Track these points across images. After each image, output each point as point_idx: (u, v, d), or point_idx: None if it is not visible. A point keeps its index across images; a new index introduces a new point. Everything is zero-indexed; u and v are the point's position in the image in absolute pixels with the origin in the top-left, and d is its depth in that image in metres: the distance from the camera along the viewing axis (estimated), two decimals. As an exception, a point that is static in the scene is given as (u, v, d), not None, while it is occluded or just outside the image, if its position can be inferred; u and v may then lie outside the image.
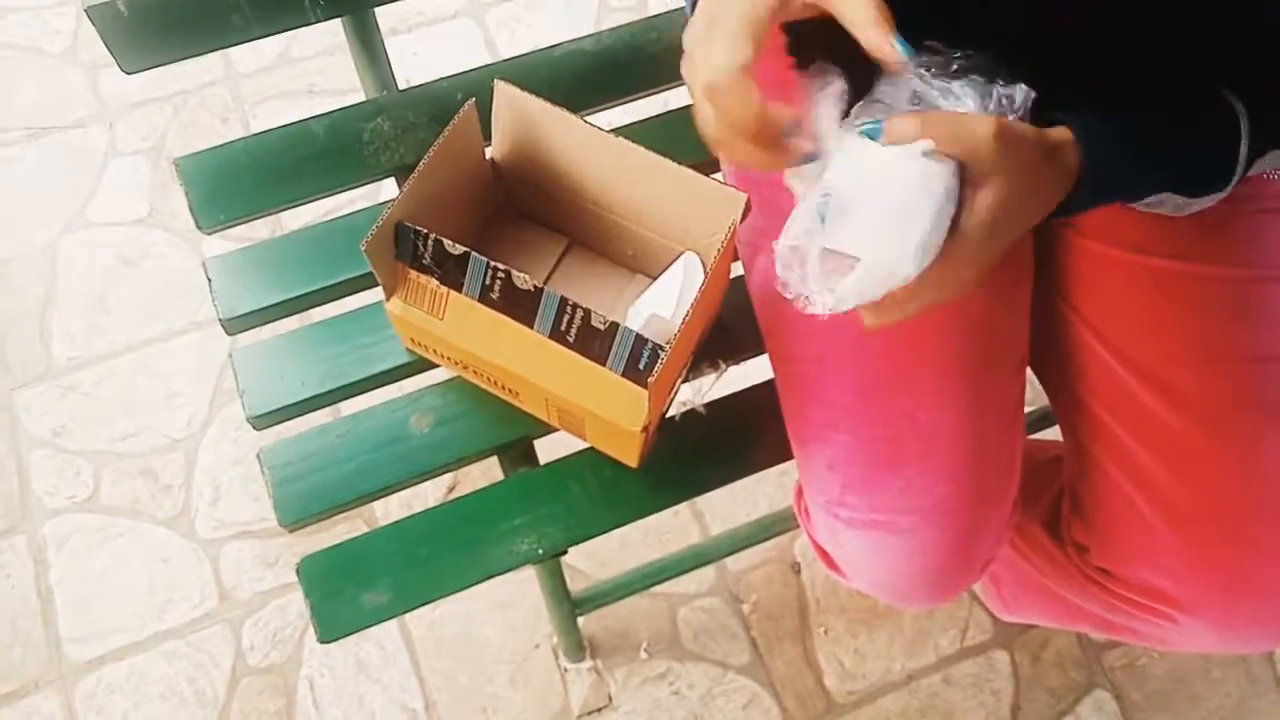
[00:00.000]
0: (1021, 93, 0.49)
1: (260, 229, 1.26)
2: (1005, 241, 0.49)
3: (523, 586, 1.11)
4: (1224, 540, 0.63)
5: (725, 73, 0.46)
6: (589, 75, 0.86)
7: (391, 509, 1.13)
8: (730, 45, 0.46)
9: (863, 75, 0.50)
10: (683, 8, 0.87)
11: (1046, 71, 0.49)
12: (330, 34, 1.44)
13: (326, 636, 0.69)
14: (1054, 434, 0.81)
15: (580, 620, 1.03)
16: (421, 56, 1.46)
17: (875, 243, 0.47)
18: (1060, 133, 0.49)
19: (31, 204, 1.35)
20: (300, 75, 1.45)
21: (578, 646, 1.07)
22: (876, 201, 0.47)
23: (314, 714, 1.08)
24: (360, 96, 0.87)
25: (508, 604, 1.12)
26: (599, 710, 1.08)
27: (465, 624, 1.11)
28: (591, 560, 1.14)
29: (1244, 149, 0.51)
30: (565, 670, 1.09)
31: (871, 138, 0.47)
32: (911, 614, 1.13)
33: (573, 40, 0.87)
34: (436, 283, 0.68)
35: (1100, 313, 0.67)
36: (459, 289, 0.67)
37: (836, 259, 0.47)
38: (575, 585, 1.00)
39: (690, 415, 0.74)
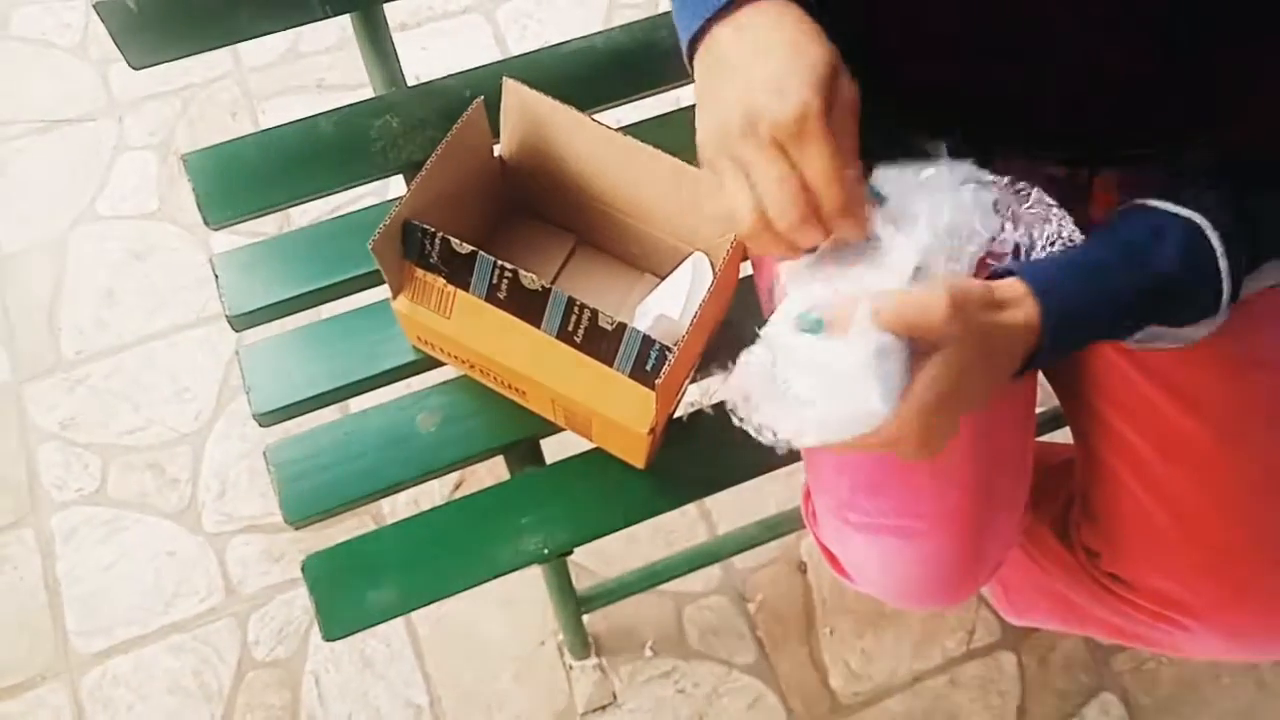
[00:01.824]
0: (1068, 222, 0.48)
1: (269, 224, 1.26)
2: (965, 404, 0.47)
3: (528, 584, 1.11)
4: (1238, 548, 0.62)
5: (832, 176, 0.46)
6: (599, 72, 0.85)
7: (399, 506, 1.13)
8: (831, 165, 0.45)
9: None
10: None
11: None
12: (340, 29, 1.44)
13: (331, 635, 0.69)
14: (1064, 435, 0.81)
15: (586, 618, 1.03)
16: (431, 52, 1.46)
17: (830, 400, 0.46)
18: (1012, 287, 0.48)
19: (41, 197, 1.35)
20: (309, 70, 1.45)
21: (583, 644, 1.07)
22: (827, 373, 0.46)
23: (319, 709, 1.08)
24: (370, 92, 0.87)
25: (513, 601, 1.12)
26: (604, 708, 1.08)
27: (470, 621, 1.11)
28: (598, 558, 1.13)
29: (1223, 261, 0.49)
30: (570, 667, 1.09)
31: (811, 333, 0.46)
32: (918, 615, 1.12)
33: (583, 37, 0.87)
34: (444, 282, 0.68)
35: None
36: (466, 288, 0.67)
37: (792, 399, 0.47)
38: (581, 583, 1.00)
39: (698, 416, 0.74)
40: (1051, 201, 0.50)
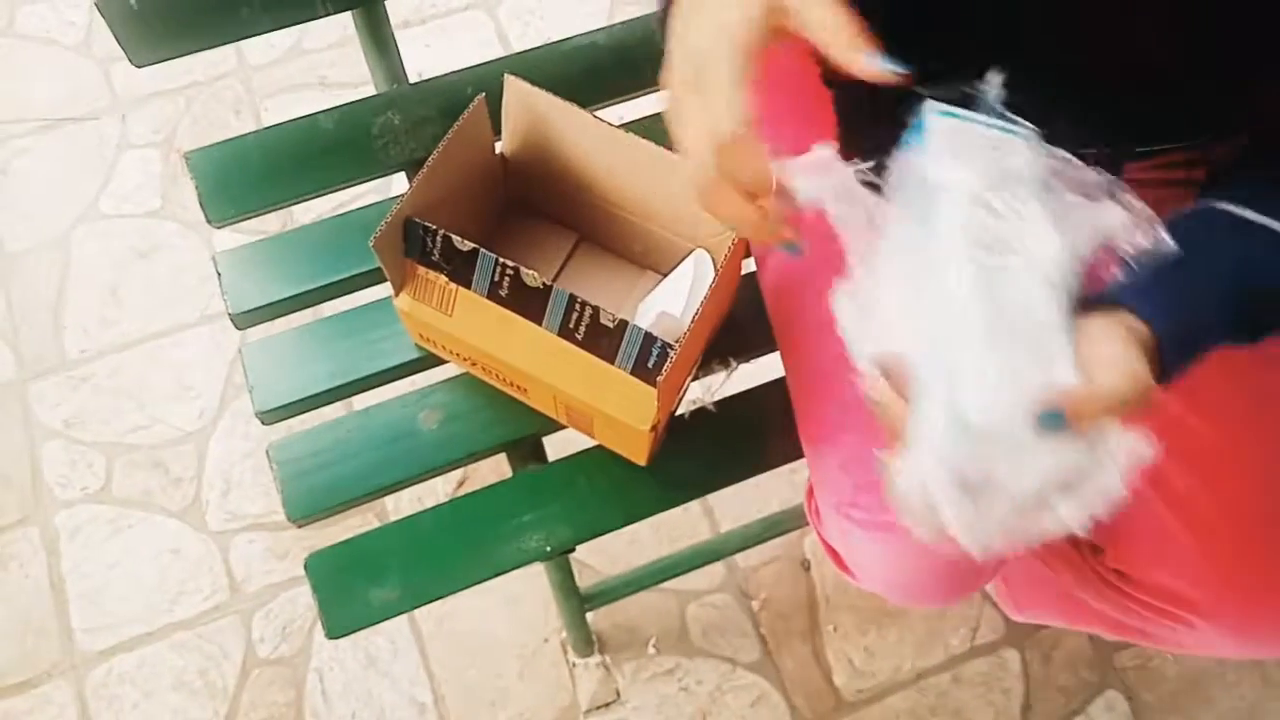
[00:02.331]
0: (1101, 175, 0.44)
1: (271, 222, 1.26)
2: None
3: (531, 581, 1.11)
4: (1244, 544, 0.62)
5: (731, 128, 0.42)
6: (601, 69, 0.85)
7: (402, 504, 1.13)
8: (730, 96, 0.42)
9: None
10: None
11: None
12: (342, 26, 1.43)
13: (334, 633, 0.69)
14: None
15: (589, 615, 1.03)
16: (434, 49, 1.46)
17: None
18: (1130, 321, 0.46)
19: (44, 196, 1.35)
20: (312, 67, 1.45)
21: (586, 642, 1.07)
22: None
23: (323, 706, 1.08)
24: (372, 89, 0.87)
25: (516, 599, 1.12)
26: (607, 705, 1.08)
27: (474, 618, 1.11)
28: (601, 556, 1.13)
29: None
30: (574, 665, 1.09)
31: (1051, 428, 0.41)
32: (922, 613, 1.12)
33: (585, 34, 0.86)
34: (445, 279, 0.67)
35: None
36: (468, 285, 0.67)
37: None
38: (584, 580, 1.00)
39: (700, 413, 0.74)
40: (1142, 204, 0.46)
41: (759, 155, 0.43)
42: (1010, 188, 0.43)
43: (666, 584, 1.08)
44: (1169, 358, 0.47)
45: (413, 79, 0.87)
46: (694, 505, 1.17)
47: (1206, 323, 0.48)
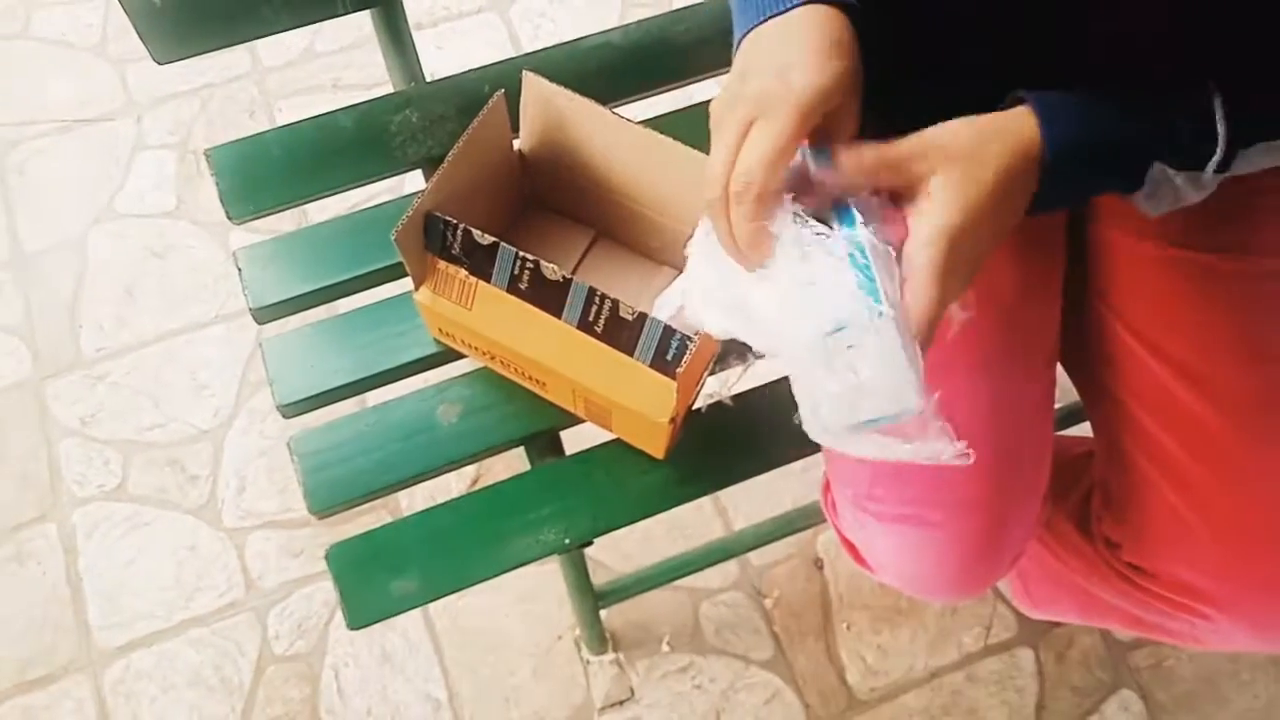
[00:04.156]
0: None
1: (287, 222, 1.27)
2: (981, 239, 0.47)
3: (546, 579, 1.11)
4: (1261, 537, 0.62)
5: (768, 173, 0.46)
6: (617, 68, 0.85)
7: (416, 501, 1.13)
8: (779, 148, 0.45)
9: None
10: (704, 1, 0.87)
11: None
12: (355, 29, 1.45)
13: (355, 623, 0.69)
14: (1080, 431, 0.81)
15: (603, 613, 1.04)
16: (445, 51, 1.47)
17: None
18: (1015, 112, 0.48)
19: (60, 196, 1.36)
20: (325, 70, 1.46)
21: (600, 639, 1.07)
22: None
23: (338, 703, 1.08)
24: (383, 92, 0.88)
25: (531, 597, 1.12)
26: (621, 703, 1.08)
27: (489, 616, 1.12)
28: (615, 553, 1.14)
29: (1219, 108, 0.48)
30: (588, 662, 1.10)
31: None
32: (935, 611, 1.12)
33: (601, 33, 0.87)
34: (465, 273, 0.68)
35: (1135, 307, 0.67)
36: (488, 279, 0.68)
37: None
38: (598, 578, 1.00)
39: (717, 407, 0.74)
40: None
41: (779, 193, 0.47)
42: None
43: (680, 582, 1.08)
44: (1054, 171, 0.47)
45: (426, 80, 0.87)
46: (707, 504, 1.17)
47: (1095, 130, 0.48)
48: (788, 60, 0.47)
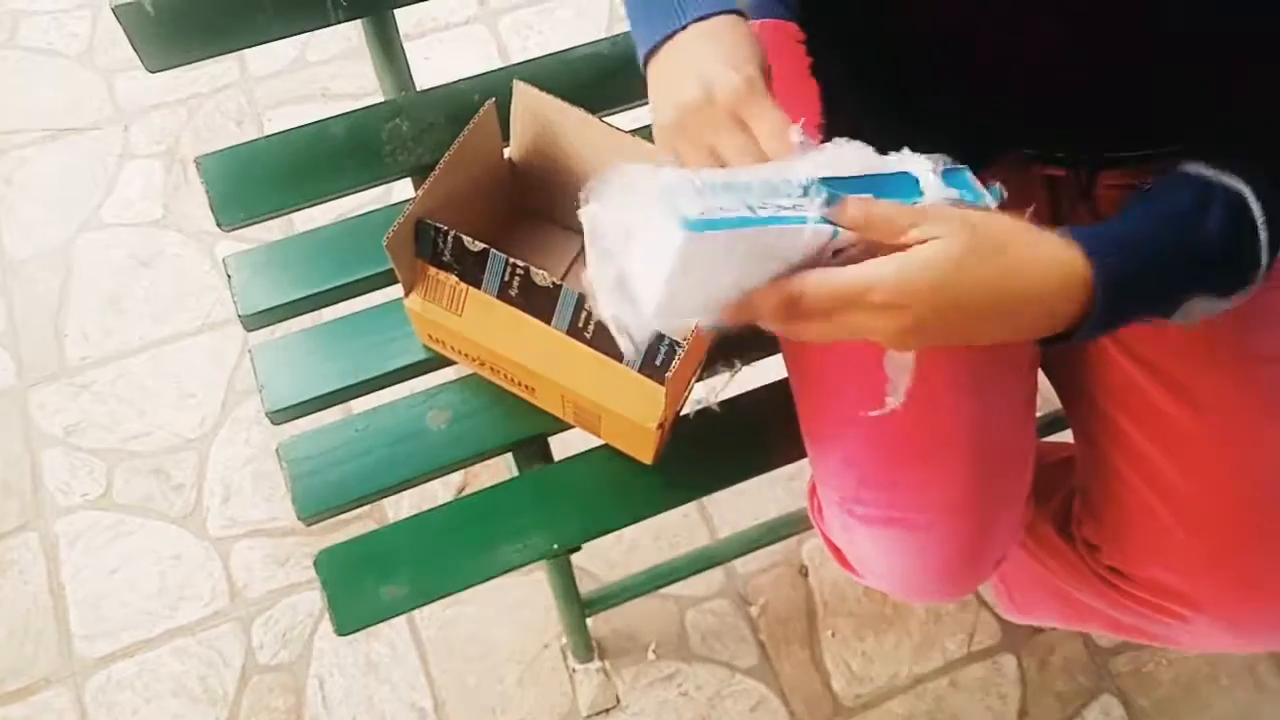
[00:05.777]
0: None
1: (274, 231, 1.27)
2: (968, 322, 0.46)
3: (532, 587, 1.12)
4: (1237, 539, 0.63)
5: (780, 130, 0.49)
6: (606, 77, 0.86)
7: (402, 510, 1.13)
8: (774, 109, 0.50)
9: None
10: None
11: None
12: (344, 39, 1.45)
13: (344, 629, 0.69)
14: (1062, 438, 0.82)
15: (589, 621, 1.04)
16: (434, 62, 1.48)
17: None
18: (1057, 237, 0.47)
19: (47, 205, 1.36)
20: (314, 79, 1.46)
21: (586, 647, 1.08)
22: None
23: (323, 712, 1.08)
24: (373, 101, 0.88)
25: (517, 605, 1.12)
26: (607, 711, 1.08)
27: (475, 624, 1.12)
28: (601, 561, 1.14)
29: (1263, 232, 0.49)
30: (574, 671, 1.10)
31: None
32: (919, 618, 1.13)
33: (590, 43, 0.88)
34: (456, 279, 0.69)
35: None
36: (478, 285, 0.68)
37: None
38: (584, 586, 1.01)
39: (705, 413, 0.75)
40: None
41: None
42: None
43: (666, 590, 1.09)
44: (1102, 300, 0.47)
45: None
46: (692, 511, 1.18)
47: (1143, 279, 0.49)
48: (721, 53, 0.51)
